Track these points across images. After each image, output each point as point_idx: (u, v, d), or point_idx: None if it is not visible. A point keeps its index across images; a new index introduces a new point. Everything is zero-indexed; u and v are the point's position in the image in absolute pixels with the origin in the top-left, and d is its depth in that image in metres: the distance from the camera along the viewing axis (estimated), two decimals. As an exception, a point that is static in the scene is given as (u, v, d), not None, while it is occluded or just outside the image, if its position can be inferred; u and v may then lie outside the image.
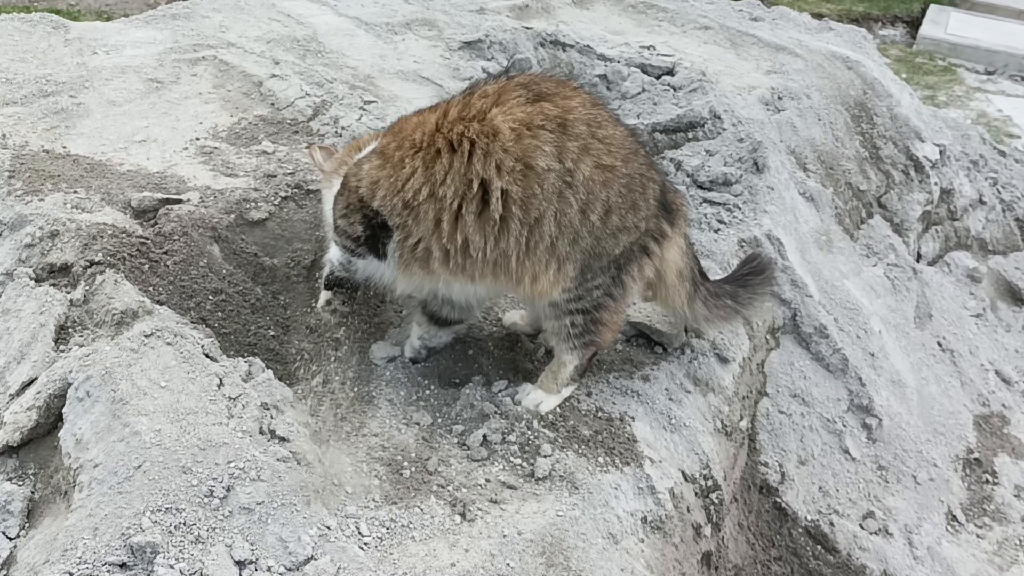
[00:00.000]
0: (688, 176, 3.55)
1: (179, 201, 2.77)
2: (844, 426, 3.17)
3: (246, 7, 4.26)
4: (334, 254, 2.48)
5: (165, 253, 2.59)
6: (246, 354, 2.42)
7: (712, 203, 3.46)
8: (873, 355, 3.38)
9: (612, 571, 2.07)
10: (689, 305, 2.57)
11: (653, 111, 3.94)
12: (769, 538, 2.93)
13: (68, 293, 2.36)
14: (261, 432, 2.08)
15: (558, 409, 2.44)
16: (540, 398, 2.44)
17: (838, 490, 3.06)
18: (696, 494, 2.52)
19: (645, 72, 4.17)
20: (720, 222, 3.38)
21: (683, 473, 2.49)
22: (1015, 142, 7.59)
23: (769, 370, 3.18)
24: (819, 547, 2.93)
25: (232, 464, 1.90)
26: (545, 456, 2.28)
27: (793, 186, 3.71)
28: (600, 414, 2.48)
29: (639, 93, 4.06)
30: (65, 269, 2.43)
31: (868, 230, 4.04)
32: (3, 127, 3.02)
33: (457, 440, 2.34)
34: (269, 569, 1.77)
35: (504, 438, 2.32)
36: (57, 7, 7.70)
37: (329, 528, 1.88)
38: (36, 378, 2.15)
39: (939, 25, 10.14)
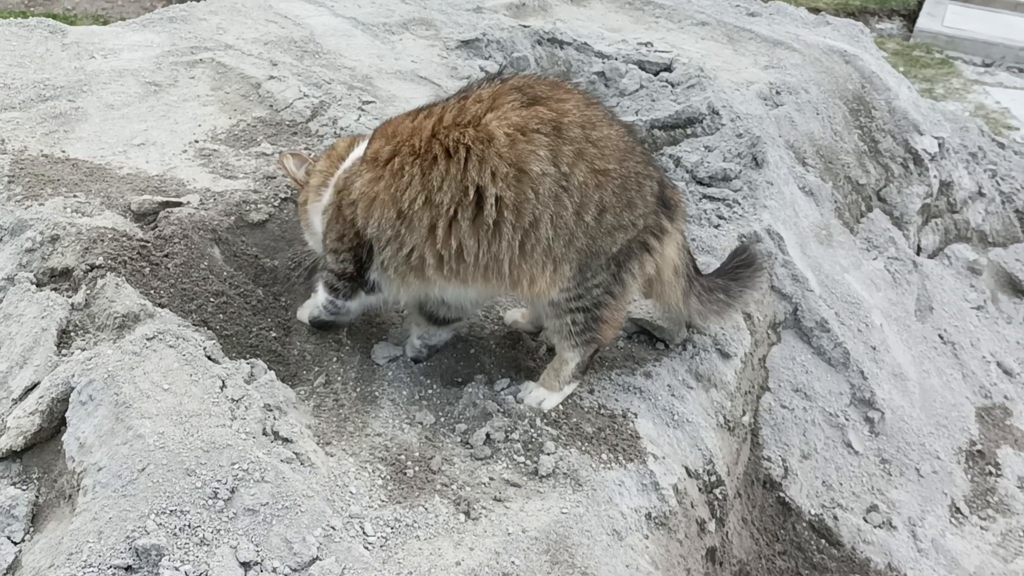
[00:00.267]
0: (687, 172, 3.55)
1: (179, 204, 2.77)
2: (846, 420, 3.17)
3: (243, 9, 4.25)
4: (316, 305, 2.55)
5: (166, 256, 2.58)
6: (248, 356, 2.42)
7: (712, 199, 3.46)
8: (874, 348, 3.39)
9: (617, 568, 2.07)
10: (684, 301, 2.58)
11: (651, 108, 3.94)
12: (773, 532, 2.94)
13: (69, 297, 2.36)
14: (264, 433, 2.08)
15: (561, 407, 2.45)
16: (542, 396, 2.44)
17: (841, 484, 3.06)
18: (700, 490, 2.52)
19: (643, 69, 4.17)
20: (720, 218, 3.38)
21: (686, 469, 2.49)
22: (1013, 134, 7.59)
23: (771, 365, 3.18)
24: (823, 541, 2.93)
25: (236, 466, 1.90)
26: (548, 454, 2.28)
27: (792, 181, 3.71)
28: (603, 411, 2.49)
29: (637, 90, 4.06)
30: (66, 273, 2.43)
31: (868, 224, 4.04)
32: (2, 132, 3.02)
33: (460, 439, 2.34)
34: (274, 570, 1.77)
35: (507, 436, 2.32)
36: (53, 12, 7.70)
37: (334, 528, 1.89)
38: (39, 383, 2.15)
39: (936, 18, 10.14)
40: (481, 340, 2.73)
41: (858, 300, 3.50)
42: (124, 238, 2.55)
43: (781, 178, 3.62)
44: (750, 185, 3.51)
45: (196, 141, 3.18)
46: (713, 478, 2.56)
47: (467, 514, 2.09)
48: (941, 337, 3.84)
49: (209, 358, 2.23)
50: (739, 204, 3.44)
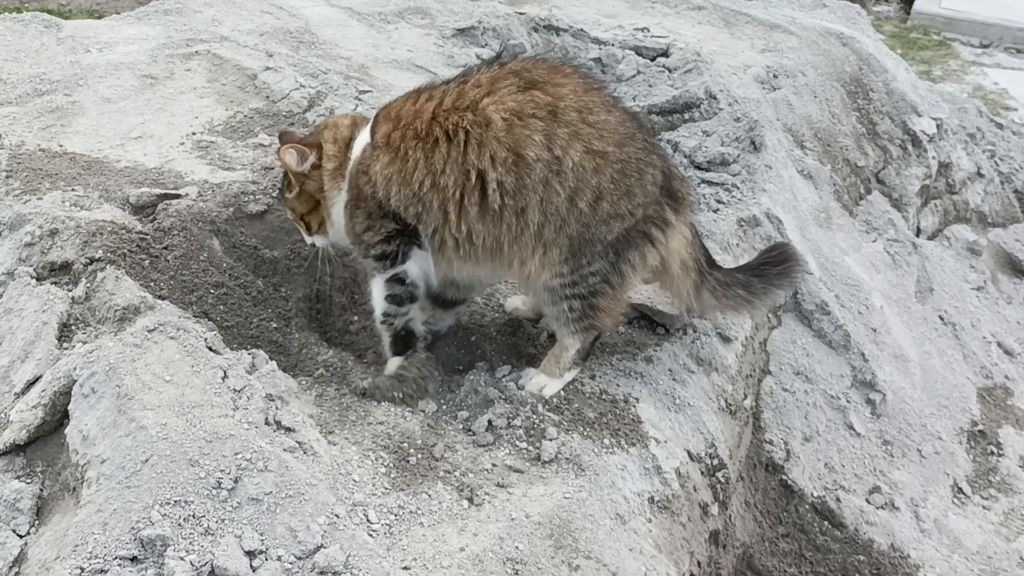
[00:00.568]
0: (686, 157, 3.55)
1: (177, 196, 2.77)
2: (848, 402, 3.18)
3: (238, 0, 4.24)
4: (378, 297, 2.42)
5: (165, 248, 2.59)
6: (249, 346, 2.42)
7: (710, 183, 3.46)
8: (875, 330, 3.39)
9: (620, 551, 2.08)
10: (696, 295, 2.54)
11: (649, 93, 3.93)
12: (776, 515, 2.94)
13: (70, 291, 2.37)
14: (267, 423, 2.08)
15: (562, 392, 2.45)
16: (544, 382, 2.44)
17: (844, 466, 3.07)
18: (702, 473, 2.53)
19: (640, 54, 4.16)
20: (719, 202, 3.38)
21: (689, 453, 2.49)
22: (1012, 114, 7.57)
23: (772, 348, 3.18)
24: (826, 523, 2.94)
25: (239, 455, 1.91)
26: (551, 439, 2.28)
27: (791, 164, 3.70)
28: (604, 396, 2.49)
29: (634, 76, 4.05)
30: (66, 267, 2.44)
31: (867, 206, 4.03)
32: (-1, 127, 3.02)
33: (462, 426, 2.35)
34: (279, 558, 1.78)
35: (509, 423, 2.33)
36: (48, 7, 7.67)
37: (338, 516, 1.89)
38: (41, 376, 2.15)
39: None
40: (482, 328, 2.73)
41: (858, 282, 3.49)
42: (123, 231, 2.55)
43: (779, 161, 3.61)
44: (748, 169, 3.50)
45: (193, 133, 3.18)
46: (715, 461, 2.57)
47: (470, 500, 2.09)
48: (941, 318, 3.84)
49: (210, 349, 2.23)
50: (738, 188, 3.43)
